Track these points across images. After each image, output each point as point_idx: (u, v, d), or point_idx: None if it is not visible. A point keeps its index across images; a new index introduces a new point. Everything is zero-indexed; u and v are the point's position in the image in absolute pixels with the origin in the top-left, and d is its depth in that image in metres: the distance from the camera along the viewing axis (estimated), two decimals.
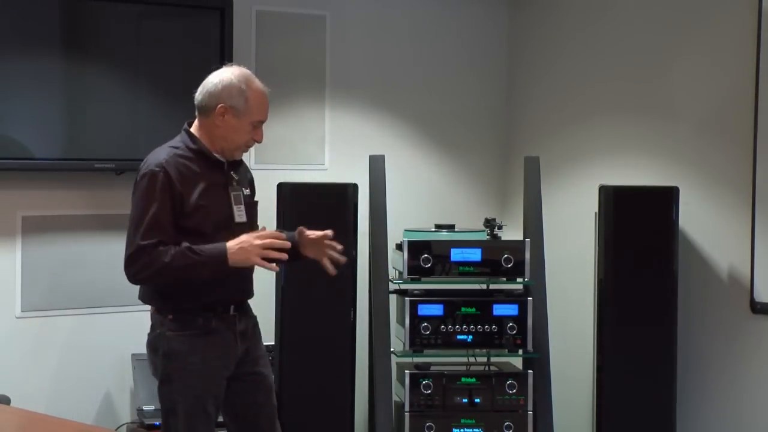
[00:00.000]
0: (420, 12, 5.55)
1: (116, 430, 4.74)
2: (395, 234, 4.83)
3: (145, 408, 4.63)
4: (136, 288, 4.82)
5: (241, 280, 3.63)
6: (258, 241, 3.46)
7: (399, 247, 4.74)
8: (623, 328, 4.60)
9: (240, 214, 3.62)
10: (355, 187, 4.75)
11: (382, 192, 4.75)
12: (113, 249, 4.80)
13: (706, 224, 4.69)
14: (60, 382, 4.73)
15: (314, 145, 5.26)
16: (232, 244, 3.46)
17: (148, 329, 4.79)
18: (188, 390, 3.54)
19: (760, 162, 4.43)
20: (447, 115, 5.62)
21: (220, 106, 3.54)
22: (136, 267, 3.48)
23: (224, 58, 4.78)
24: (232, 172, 3.65)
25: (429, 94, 5.57)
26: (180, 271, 3.44)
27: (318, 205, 4.51)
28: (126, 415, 4.83)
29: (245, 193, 3.69)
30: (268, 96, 3.63)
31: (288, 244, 3.52)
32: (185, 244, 3.44)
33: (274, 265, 3.49)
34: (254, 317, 3.76)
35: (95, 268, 4.78)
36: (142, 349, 4.73)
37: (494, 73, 5.73)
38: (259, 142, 3.67)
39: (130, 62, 4.73)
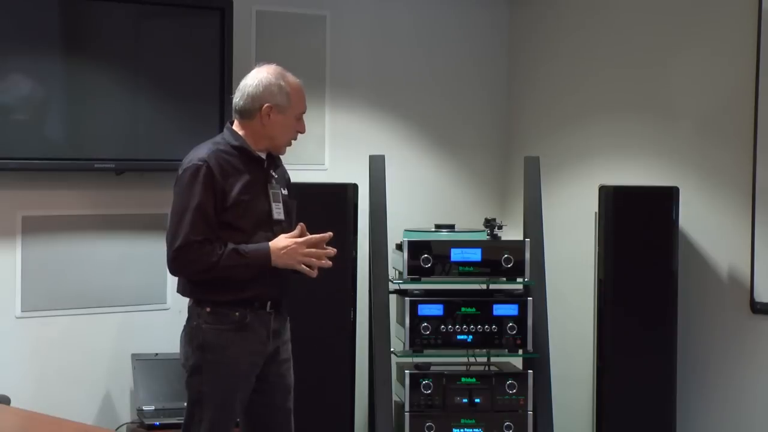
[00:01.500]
0: (420, 12, 5.54)
1: (116, 430, 4.74)
2: (395, 234, 4.83)
3: (145, 408, 4.63)
4: (136, 288, 4.86)
5: (279, 278, 3.65)
6: (303, 249, 3.57)
7: (399, 247, 4.74)
8: (623, 328, 4.60)
9: (278, 212, 3.68)
10: (355, 187, 4.75)
11: (382, 192, 4.75)
12: (113, 249, 4.82)
13: (706, 224, 4.69)
14: (60, 382, 4.72)
15: (314, 145, 5.26)
16: (276, 248, 3.56)
17: (147, 329, 4.80)
18: (218, 383, 3.58)
19: (760, 162, 4.43)
20: (447, 115, 5.62)
21: (265, 106, 3.63)
22: (182, 261, 3.55)
23: (224, 58, 4.79)
24: (271, 171, 3.71)
25: (429, 94, 5.57)
26: (225, 271, 3.53)
27: (318, 205, 4.51)
28: (126, 415, 4.83)
29: (283, 192, 3.75)
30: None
31: (332, 252, 3.62)
32: (231, 245, 3.54)
33: (314, 271, 3.60)
34: (287, 318, 3.79)
35: (95, 268, 4.78)
36: (142, 349, 4.75)
37: (494, 73, 5.73)
38: (303, 132, 3.74)
39: (130, 62, 4.73)
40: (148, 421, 4.56)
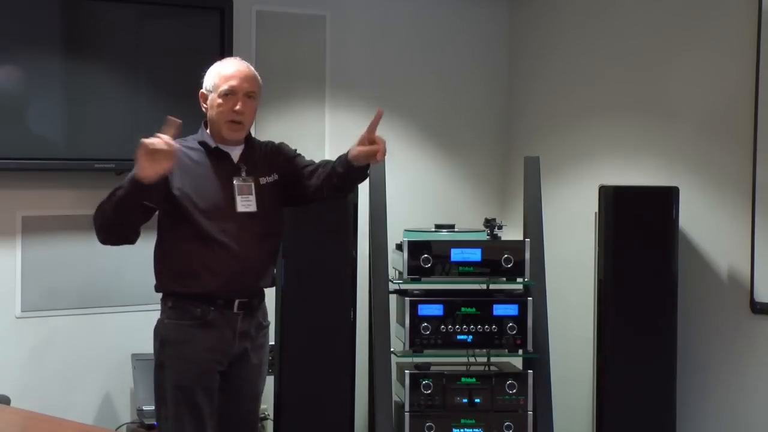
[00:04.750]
0: (420, 12, 5.55)
1: (116, 430, 4.74)
2: (395, 234, 4.83)
3: (145, 408, 4.63)
4: (136, 288, 4.86)
5: (246, 279, 3.64)
6: (141, 152, 3.38)
7: (399, 247, 4.74)
8: (623, 328, 4.60)
9: (246, 204, 3.64)
10: None
11: (382, 192, 4.75)
12: (113, 249, 4.81)
13: (706, 224, 4.69)
14: (60, 382, 4.73)
15: (314, 144, 5.26)
16: None
17: (147, 329, 4.79)
18: (177, 379, 3.58)
19: (760, 162, 4.43)
20: (447, 115, 5.62)
21: (199, 93, 3.67)
22: (95, 219, 3.52)
23: (224, 58, 4.79)
24: (242, 162, 3.68)
25: (429, 93, 5.57)
26: (109, 207, 3.45)
27: (318, 204, 4.50)
28: (126, 415, 4.83)
29: (263, 181, 3.69)
30: (248, 70, 3.67)
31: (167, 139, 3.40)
32: None
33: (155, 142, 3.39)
34: (265, 323, 3.77)
35: (95, 268, 4.79)
36: (142, 349, 4.74)
37: (494, 73, 5.73)
38: (240, 112, 3.63)
39: (130, 62, 4.73)
40: (148, 421, 4.56)
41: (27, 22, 4.47)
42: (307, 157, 3.88)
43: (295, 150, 3.86)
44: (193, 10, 4.82)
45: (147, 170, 3.37)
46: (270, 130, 5.09)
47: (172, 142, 3.38)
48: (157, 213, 3.63)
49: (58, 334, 4.74)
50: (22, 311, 4.66)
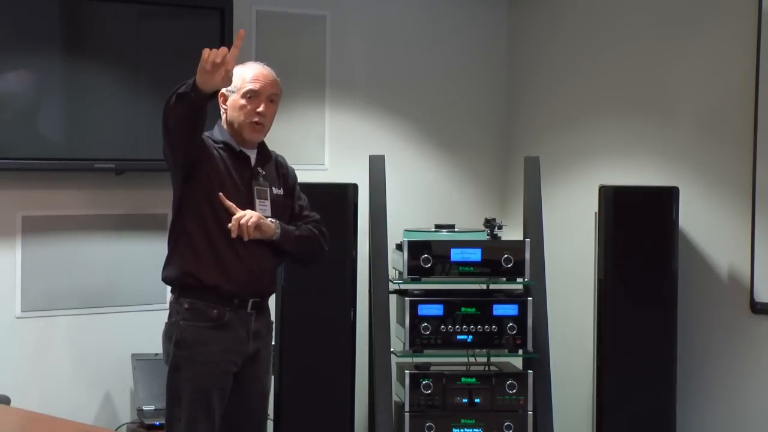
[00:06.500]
0: (420, 12, 5.55)
1: (116, 430, 4.74)
2: (395, 234, 4.83)
3: (145, 408, 4.63)
4: (136, 288, 4.86)
5: (263, 279, 3.67)
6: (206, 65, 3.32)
7: (399, 247, 4.74)
8: (623, 329, 4.60)
9: (263, 209, 3.66)
10: (355, 187, 4.75)
11: (382, 192, 4.75)
12: (113, 249, 4.82)
13: (706, 224, 4.69)
14: (60, 382, 4.73)
15: (314, 145, 5.26)
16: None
17: (147, 329, 4.81)
18: (194, 380, 3.58)
19: (760, 162, 4.43)
20: (447, 115, 5.62)
21: (219, 93, 3.56)
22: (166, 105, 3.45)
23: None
24: (259, 168, 3.71)
25: (429, 94, 5.57)
26: (171, 103, 3.40)
27: (318, 205, 4.50)
28: (126, 415, 4.83)
29: (274, 190, 3.74)
30: (271, 74, 3.69)
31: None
32: None
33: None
34: (271, 320, 3.81)
35: (95, 268, 4.79)
36: (142, 349, 4.75)
37: (494, 73, 5.73)
38: (263, 114, 3.66)
39: (130, 62, 4.73)
40: (148, 421, 4.56)
41: (27, 22, 4.47)
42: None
43: (298, 188, 3.89)
44: (193, 10, 4.82)
45: (206, 81, 3.33)
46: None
47: (233, 58, 3.33)
48: (179, 204, 3.63)
49: (58, 334, 4.74)
50: (22, 311, 4.66)
